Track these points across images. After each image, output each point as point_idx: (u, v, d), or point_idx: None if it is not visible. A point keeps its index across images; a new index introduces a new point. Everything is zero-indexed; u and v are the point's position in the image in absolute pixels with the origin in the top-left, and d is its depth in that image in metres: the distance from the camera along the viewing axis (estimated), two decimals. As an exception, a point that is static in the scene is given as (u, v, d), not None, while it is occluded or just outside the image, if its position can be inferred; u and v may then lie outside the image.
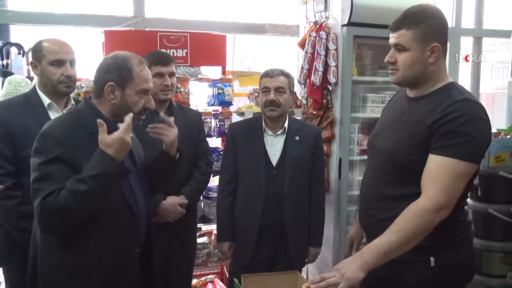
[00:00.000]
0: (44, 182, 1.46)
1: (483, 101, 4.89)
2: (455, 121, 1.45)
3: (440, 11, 1.62)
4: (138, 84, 1.59)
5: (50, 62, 2.00)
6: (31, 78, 2.73)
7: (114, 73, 1.57)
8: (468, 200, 2.54)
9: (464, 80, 4.27)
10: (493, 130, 2.67)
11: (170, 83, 2.32)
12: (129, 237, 1.63)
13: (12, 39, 3.10)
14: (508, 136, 2.42)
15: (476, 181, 2.43)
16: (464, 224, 1.67)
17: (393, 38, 1.59)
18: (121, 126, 1.50)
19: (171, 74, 2.34)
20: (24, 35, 3.25)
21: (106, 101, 1.60)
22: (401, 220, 1.46)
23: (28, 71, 2.84)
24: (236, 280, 1.82)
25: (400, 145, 1.58)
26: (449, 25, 4.29)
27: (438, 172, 1.46)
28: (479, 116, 1.48)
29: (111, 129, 1.59)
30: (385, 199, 1.66)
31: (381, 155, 1.68)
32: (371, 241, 1.59)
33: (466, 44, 4.20)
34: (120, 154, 1.48)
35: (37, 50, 2.03)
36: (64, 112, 1.95)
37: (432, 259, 1.55)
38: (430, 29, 1.54)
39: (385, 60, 1.64)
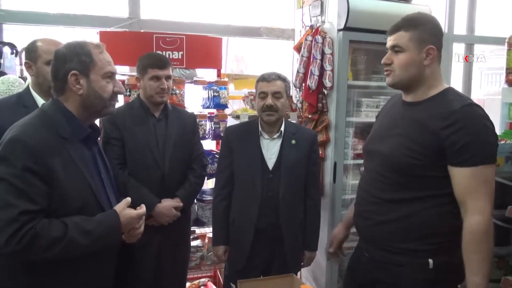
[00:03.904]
0: (18, 199, 1.29)
1: (473, 107, 4.96)
2: (467, 129, 1.50)
3: (436, 19, 1.68)
4: (102, 67, 1.48)
5: (46, 61, 1.96)
6: (24, 78, 2.70)
7: (74, 61, 1.44)
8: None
9: (456, 86, 4.31)
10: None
11: (166, 86, 2.30)
12: (105, 249, 1.49)
13: (5, 39, 3.07)
14: (502, 142, 2.44)
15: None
16: (460, 228, 1.69)
17: (391, 40, 1.66)
18: (139, 211, 1.54)
19: (168, 77, 2.32)
20: (17, 35, 3.21)
21: (73, 95, 1.46)
22: (473, 247, 1.52)
23: (21, 71, 2.81)
24: (233, 286, 1.81)
25: (400, 149, 1.62)
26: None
27: (474, 183, 1.51)
28: (486, 117, 1.55)
29: (84, 132, 1.49)
30: (383, 203, 1.69)
31: (379, 159, 1.70)
32: (366, 244, 1.66)
33: (458, 51, 4.25)
34: (124, 229, 1.51)
35: (32, 50, 1.99)
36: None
37: (430, 261, 1.60)
38: (427, 32, 1.61)
39: (382, 61, 1.69)
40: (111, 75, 1.52)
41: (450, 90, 1.64)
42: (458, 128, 1.50)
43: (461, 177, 1.53)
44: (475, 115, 1.52)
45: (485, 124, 1.53)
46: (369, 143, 1.84)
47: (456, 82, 4.31)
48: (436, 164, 1.57)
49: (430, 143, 1.55)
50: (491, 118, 1.58)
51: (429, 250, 1.60)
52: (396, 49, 1.63)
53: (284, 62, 3.66)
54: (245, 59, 4.34)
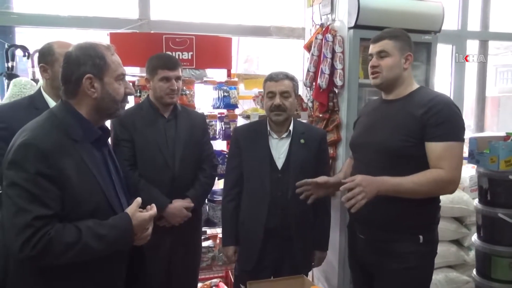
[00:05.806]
0: (31, 204, 1.28)
1: (488, 104, 4.87)
2: (441, 112, 1.83)
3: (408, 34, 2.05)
4: (115, 70, 1.47)
5: None
6: (36, 80, 2.72)
7: (88, 64, 1.43)
8: (477, 204, 2.52)
9: (470, 84, 4.24)
10: (502, 133, 2.65)
11: (176, 87, 2.31)
12: (117, 252, 1.48)
13: (17, 41, 3.10)
14: (517, 140, 2.39)
15: (485, 185, 2.41)
16: (439, 209, 2.04)
17: (376, 47, 1.98)
18: (151, 212, 1.52)
19: (178, 78, 2.33)
20: (29, 37, 3.24)
21: (86, 98, 1.45)
22: (422, 178, 1.80)
23: (33, 73, 2.83)
24: (242, 287, 1.80)
25: (393, 136, 1.90)
26: (455, 28, 4.26)
27: (446, 154, 1.81)
28: (454, 105, 1.91)
29: (95, 134, 1.49)
30: None
31: (374, 148, 1.97)
32: (363, 226, 2.01)
33: (472, 47, 4.18)
34: (137, 232, 1.49)
35: (49, 54, 1.97)
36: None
37: (421, 237, 1.91)
38: (405, 42, 1.98)
39: (371, 64, 2.00)
40: (122, 77, 1.51)
41: (423, 88, 2.04)
42: (434, 112, 1.84)
43: (435, 149, 1.83)
44: (446, 103, 1.88)
45: (454, 110, 1.88)
46: (358, 138, 2.12)
47: (470, 80, 4.24)
48: (423, 144, 1.86)
49: (416, 127, 1.86)
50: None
51: (420, 227, 1.93)
52: (382, 54, 1.95)
53: (295, 61, 3.64)
54: (256, 60, 4.32)
